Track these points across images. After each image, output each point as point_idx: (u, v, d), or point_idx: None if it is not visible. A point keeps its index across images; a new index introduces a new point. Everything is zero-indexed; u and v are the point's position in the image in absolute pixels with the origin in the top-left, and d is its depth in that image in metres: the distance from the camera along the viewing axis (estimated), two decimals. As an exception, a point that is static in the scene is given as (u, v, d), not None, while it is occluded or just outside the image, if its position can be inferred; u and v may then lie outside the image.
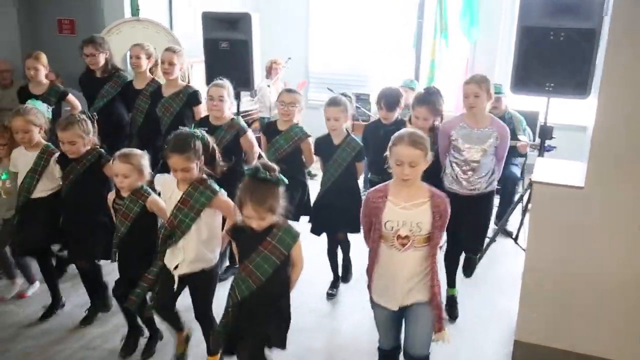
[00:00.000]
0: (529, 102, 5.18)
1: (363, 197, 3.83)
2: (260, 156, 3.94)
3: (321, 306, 3.74)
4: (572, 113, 5.99)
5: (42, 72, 4.35)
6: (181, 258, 2.70)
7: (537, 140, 4.66)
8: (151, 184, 3.02)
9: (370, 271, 2.52)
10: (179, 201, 2.67)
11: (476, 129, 3.29)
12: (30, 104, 3.38)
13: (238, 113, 5.30)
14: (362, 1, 7.36)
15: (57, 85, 4.46)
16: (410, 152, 2.30)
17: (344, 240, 3.84)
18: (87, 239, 3.18)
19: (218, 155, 2.78)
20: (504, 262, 4.48)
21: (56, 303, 3.54)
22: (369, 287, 2.55)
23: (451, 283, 3.67)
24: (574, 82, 3.77)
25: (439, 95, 3.48)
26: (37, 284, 3.78)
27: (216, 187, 2.72)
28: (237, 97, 5.28)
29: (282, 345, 2.48)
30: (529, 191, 4.32)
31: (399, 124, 3.64)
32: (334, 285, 3.90)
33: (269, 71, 6.42)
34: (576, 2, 3.70)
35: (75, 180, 3.15)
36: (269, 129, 3.83)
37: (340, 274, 3.94)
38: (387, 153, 2.40)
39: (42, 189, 3.30)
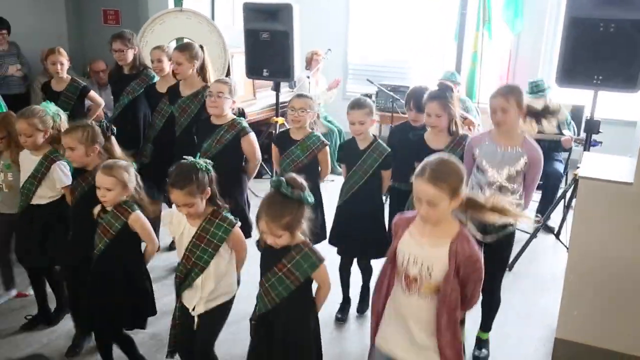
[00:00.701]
0: (573, 96, 5.05)
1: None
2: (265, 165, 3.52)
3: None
4: (619, 107, 5.80)
5: (66, 66, 4.27)
6: (199, 296, 2.48)
7: (582, 135, 4.54)
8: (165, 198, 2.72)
9: (375, 305, 2.20)
10: (193, 237, 2.45)
11: (503, 149, 2.85)
12: (43, 106, 3.20)
13: (277, 104, 5.35)
14: (403, -8, 7.28)
15: (78, 82, 4.34)
16: (427, 190, 1.94)
17: (365, 265, 3.50)
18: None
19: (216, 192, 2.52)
20: (545, 258, 4.39)
21: (43, 317, 3.35)
22: (373, 327, 2.22)
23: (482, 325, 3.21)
24: (624, 75, 3.65)
25: (451, 91, 3.17)
26: (13, 292, 3.61)
27: (232, 218, 2.51)
28: (277, 88, 5.31)
29: None
30: (572, 187, 4.23)
31: None
32: (343, 308, 3.51)
33: (309, 62, 6.42)
34: (628, -9, 3.59)
35: (80, 197, 2.87)
36: (281, 139, 3.47)
37: (351, 296, 3.56)
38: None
39: (41, 196, 3.11)
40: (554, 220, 4.64)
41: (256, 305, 2.38)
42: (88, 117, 4.11)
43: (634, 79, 3.62)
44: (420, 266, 2.00)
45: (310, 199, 2.22)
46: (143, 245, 2.73)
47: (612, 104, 5.45)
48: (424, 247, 2.02)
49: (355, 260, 3.49)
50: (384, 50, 7.48)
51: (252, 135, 3.43)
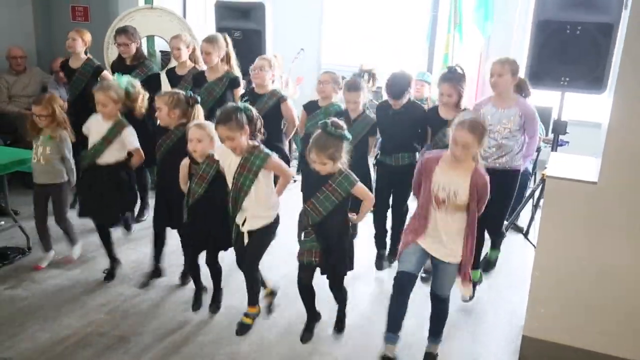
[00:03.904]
0: (542, 97, 5.13)
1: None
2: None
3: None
4: (586, 109, 5.93)
5: (79, 43, 4.63)
6: (245, 215, 3.10)
7: (550, 135, 4.62)
8: None
9: (412, 224, 2.88)
10: (238, 166, 3.04)
11: (501, 109, 3.51)
12: (115, 79, 3.68)
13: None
14: (376, -7, 7.31)
15: (92, 61, 4.71)
16: (466, 136, 2.62)
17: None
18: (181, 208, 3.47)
19: (260, 125, 3.09)
20: (514, 257, 4.45)
21: (115, 265, 3.87)
22: (407, 236, 2.89)
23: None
24: (590, 77, 3.74)
25: (461, 71, 3.66)
26: (51, 252, 4.00)
27: (268, 151, 3.09)
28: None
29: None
30: (540, 186, 4.30)
31: (409, 106, 3.85)
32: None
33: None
34: (594, -5, 3.67)
35: (166, 152, 3.46)
36: (310, 106, 4.17)
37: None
38: (449, 133, 2.72)
39: (109, 156, 3.59)
40: (523, 220, 4.71)
41: (304, 218, 3.02)
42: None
43: (600, 80, 3.71)
44: (448, 191, 2.73)
45: (349, 136, 2.88)
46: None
47: (579, 106, 5.57)
48: (453, 178, 2.73)
49: None
50: (357, 50, 7.50)
51: (290, 102, 4.22)
